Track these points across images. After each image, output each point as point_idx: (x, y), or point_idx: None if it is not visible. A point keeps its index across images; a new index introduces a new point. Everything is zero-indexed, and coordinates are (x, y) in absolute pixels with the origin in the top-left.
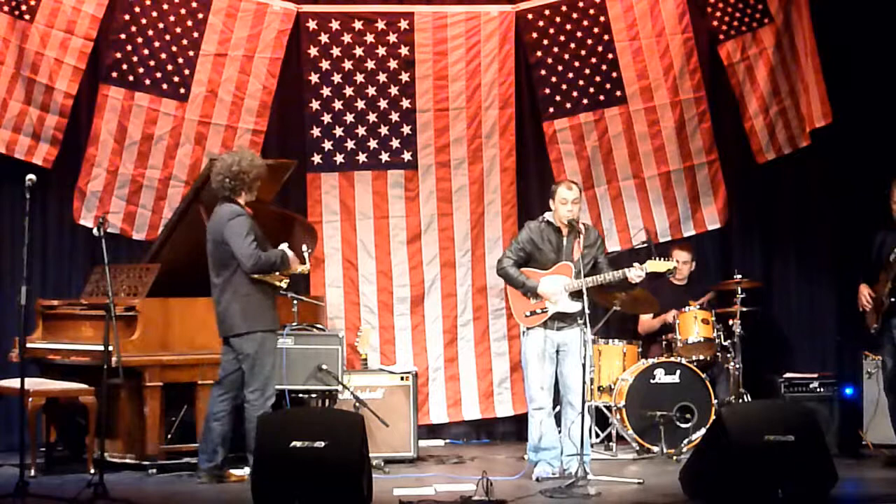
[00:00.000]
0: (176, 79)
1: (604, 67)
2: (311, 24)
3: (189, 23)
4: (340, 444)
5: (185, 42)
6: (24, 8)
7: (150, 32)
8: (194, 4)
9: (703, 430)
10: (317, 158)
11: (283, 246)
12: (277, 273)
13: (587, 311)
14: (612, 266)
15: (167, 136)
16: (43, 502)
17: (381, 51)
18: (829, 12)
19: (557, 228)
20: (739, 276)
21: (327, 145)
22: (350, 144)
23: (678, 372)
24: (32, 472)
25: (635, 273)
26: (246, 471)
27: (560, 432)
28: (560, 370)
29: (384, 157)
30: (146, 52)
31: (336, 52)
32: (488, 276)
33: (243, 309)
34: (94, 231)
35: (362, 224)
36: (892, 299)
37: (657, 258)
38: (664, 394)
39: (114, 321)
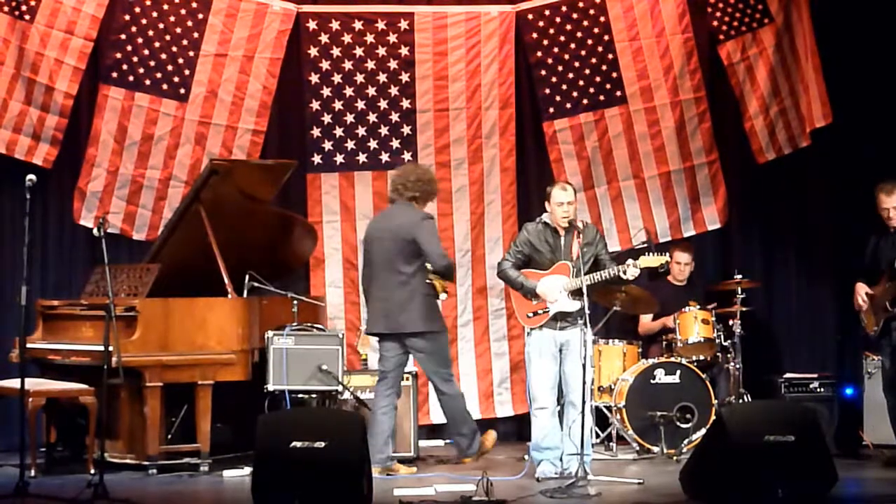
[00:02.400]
0: (176, 79)
1: (604, 67)
2: (312, 25)
3: (189, 23)
4: (341, 444)
5: (185, 42)
6: (24, 8)
7: (151, 33)
8: (194, 5)
9: (703, 431)
10: (317, 159)
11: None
12: (443, 281)
13: (587, 310)
14: (614, 262)
15: (167, 137)
16: (43, 503)
17: (382, 51)
18: (829, 12)
19: (555, 229)
20: (739, 277)
21: (327, 145)
22: (350, 145)
23: (678, 372)
24: (32, 473)
25: (631, 272)
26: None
27: (563, 432)
28: (562, 370)
29: (384, 157)
30: (146, 52)
31: (336, 52)
32: (488, 276)
33: (424, 308)
34: (95, 231)
35: (362, 224)
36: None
37: (653, 255)
38: (664, 394)
39: (114, 321)
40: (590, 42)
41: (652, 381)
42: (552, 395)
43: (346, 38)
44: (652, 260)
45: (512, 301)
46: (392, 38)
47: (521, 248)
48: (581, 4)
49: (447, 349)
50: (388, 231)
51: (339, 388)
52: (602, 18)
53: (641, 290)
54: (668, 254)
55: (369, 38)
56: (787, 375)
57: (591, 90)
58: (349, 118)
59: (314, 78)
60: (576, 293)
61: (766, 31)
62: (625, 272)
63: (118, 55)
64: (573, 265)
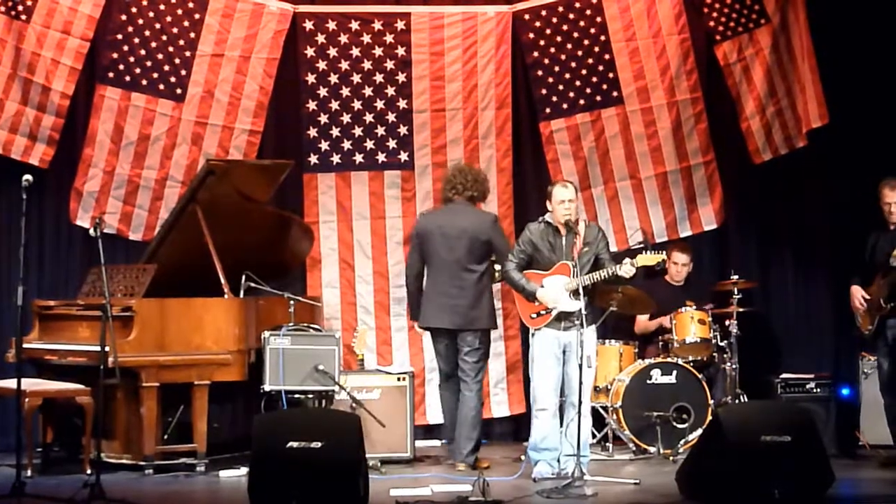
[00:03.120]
0: (172, 79)
1: (600, 68)
2: (308, 25)
3: (186, 23)
4: (337, 444)
5: (181, 42)
6: (20, 8)
7: (147, 33)
8: (191, 5)
9: (699, 431)
10: (313, 159)
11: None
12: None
13: (584, 311)
14: (613, 262)
15: (164, 137)
16: (39, 503)
17: (378, 51)
18: (825, 13)
19: (556, 229)
20: (736, 277)
21: (324, 146)
22: (347, 145)
23: (675, 372)
24: (29, 473)
25: (625, 269)
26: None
27: (560, 432)
28: (565, 370)
29: (381, 157)
30: (143, 52)
31: (333, 52)
32: None
33: (491, 306)
34: (91, 231)
35: (359, 224)
36: (892, 304)
37: (650, 253)
38: (661, 394)
39: (110, 322)
40: (586, 42)
41: (648, 382)
42: (554, 396)
43: (343, 39)
44: (649, 258)
45: (516, 303)
46: (389, 38)
47: (524, 248)
48: (577, 5)
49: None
50: (457, 229)
51: (336, 388)
52: (598, 19)
53: (638, 290)
54: (664, 252)
55: (366, 39)
56: (784, 376)
57: (588, 90)
58: (346, 118)
59: (311, 78)
60: (577, 293)
61: (763, 31)
62: (621, 270)
63: (115, 55)
64: (573, 265)
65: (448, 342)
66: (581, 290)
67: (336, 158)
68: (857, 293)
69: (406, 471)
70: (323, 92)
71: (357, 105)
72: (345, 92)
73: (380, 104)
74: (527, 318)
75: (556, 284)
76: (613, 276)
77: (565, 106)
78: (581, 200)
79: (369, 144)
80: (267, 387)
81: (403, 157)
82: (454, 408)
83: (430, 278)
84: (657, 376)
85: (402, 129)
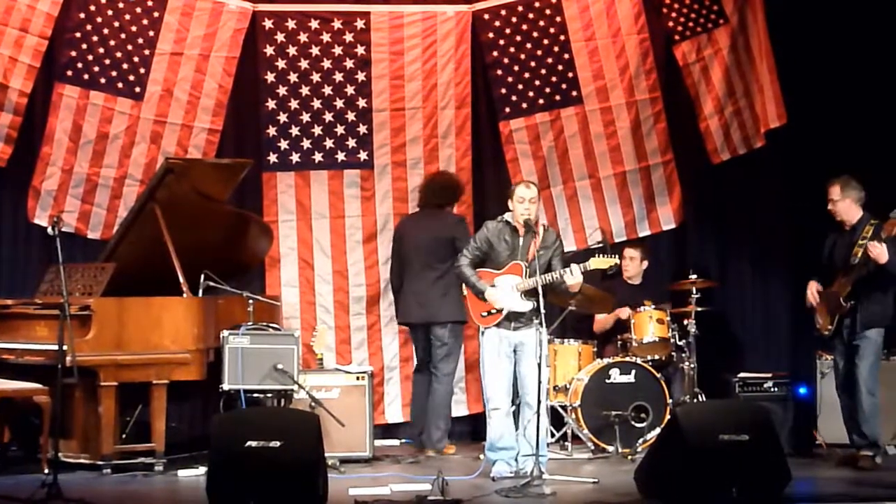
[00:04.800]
0: (131, 77)
1: (560, 67)
2: (268, 24)
3: (145, 21)
4: (296, 443)
5: (140, 41)
6: None
7: (106, 31)
8: (150, 3)
9: (658, 430)
10: (273, 158)
11: None
12: None
13: (543, 310)
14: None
15: (122, 135)
16: None
17: (338, 50)
18: (783, 13)
19: (515, 228)
20: (694, 276)
21: (283, 144)
22: (306, 144)
23: (633, 372)
24: None
25: (569, 278)
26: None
27: (518, 432)
28: (518, 370)
29: (340, 156)
30: (101, 50)
31: (292, 51)
32: None
33: (458, 301)
34: (49, 230)
35: (318, 223)
36: (851, 302)
37: (605, 256)
38: (619, 393)
39: (68, 320)
40: (546, 42)
41: (607, 381)
42: (507, 396)
43: (303, 37)
44: (602, 261)
45: (467, 301)
46: (348, 37)
47: (479, 245)
48: (537, 4)
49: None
50: (424, 230)
51: (295, 387)
52: (558, 18)
53: (597, 289)
54: (618, 257)
55: (325, 37)
56: (742, 375)
57: (547, 90)
58: (305, 117)
59: (270, 77)
60: (528, 293)
61: (721, 31)
62: (567, 276)
63: (73, 53)
64: (527, 266)
65: (420, 335)
66: (539, 290)
67: (295, 157)
68: (812, 287)
69: (365, 470)
70: (282, 91)
71: (316, 104)
72: (304, 91)
73: (339, 103)
74: (477, 317)
75: (507, 284)
76: (559, 279)
77: (524, 105)
78: (541, 201)
79: (329, 143)
80: (226, 386)
81: (363, 156)
82: (422, 394)
83: (405, 277)
84: (616, 375)
85: (362, 129)
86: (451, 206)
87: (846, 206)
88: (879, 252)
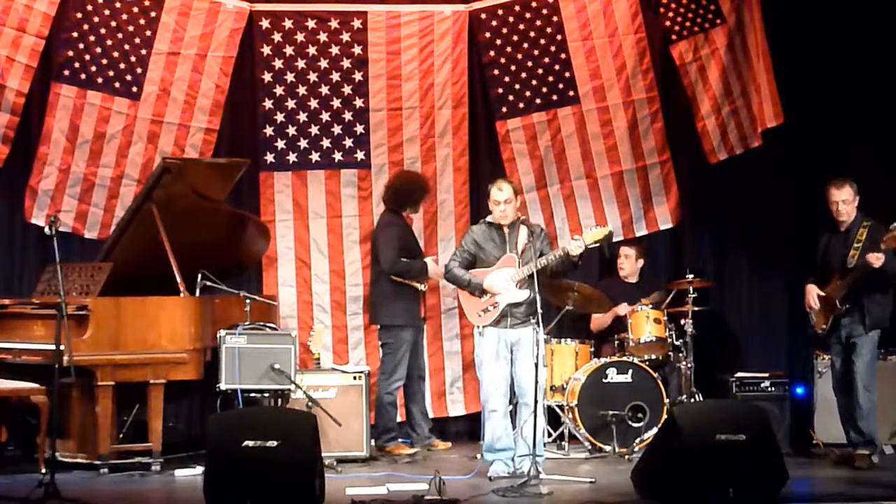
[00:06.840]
0: (128, 77)
1: (556, 67)
2: (265, 23)
3: (142, 21)
4: (293, 443)
5: (137, 40)
6: None
7: (103, 30)
8: (147, 3)
9: (655, 430)
10: (270, 157)
11: (429, 259)
12: (416, 280)
13: (539, 309)
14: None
15: (119, 135)
16: None
17: (335, 50)
18: (780, 13)
19: (499, 226)
20: (691, 276)
21: (280, 144)
22: (303, 143)
23: (630, 371)
24: None
25: (573, 245)
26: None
27: (514, 432)
28: (514, 370)
29: (337, 156)
30: (98, 50)
31: (289, 50)
32: None
33: (384, 304)
34: (46, 230)
35: (315, 223)
36: (847, 305)
37: (595, 230)
38: (616, 393)
39: (65, 320)
40: (542, 42)
41: (604, 381)
42: (505, 397)
43: (299, 37)
44: (596, 233)
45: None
46: (345, 36)
47: (467, 248)
48: (534, 4)
49: (404, 348)
50: (375, 234)
51: (292, 387)
52: (555, 18)
53: (593, 288)
54: (609, 227)
55: (322, 37)
56: (739, 374)
57: (544, 90)
58: (302, 117)
59: (267, 76)
60: (523, 283)
61: (719, 31)
62: (570, 245)
63: (70, 53)
64: (519, 256)
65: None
66: (535, 277)
67: (292, 157)
68: (812, 292)
69: (362, 470)
70: (279, 90)
71: (313, 104)
72: (301, 90)
73: (336, 103)
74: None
75: (502, 277)
76: (564, 255)
77: (521, 105)
78: (536, 200)
79: (326, 143)
80: (223, 386)
81: (360, 155)
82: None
83: None
84: (613, 375)
85: (359, 128)
86: (411, 209)
87: (854, 207)
88: (880, 261)
